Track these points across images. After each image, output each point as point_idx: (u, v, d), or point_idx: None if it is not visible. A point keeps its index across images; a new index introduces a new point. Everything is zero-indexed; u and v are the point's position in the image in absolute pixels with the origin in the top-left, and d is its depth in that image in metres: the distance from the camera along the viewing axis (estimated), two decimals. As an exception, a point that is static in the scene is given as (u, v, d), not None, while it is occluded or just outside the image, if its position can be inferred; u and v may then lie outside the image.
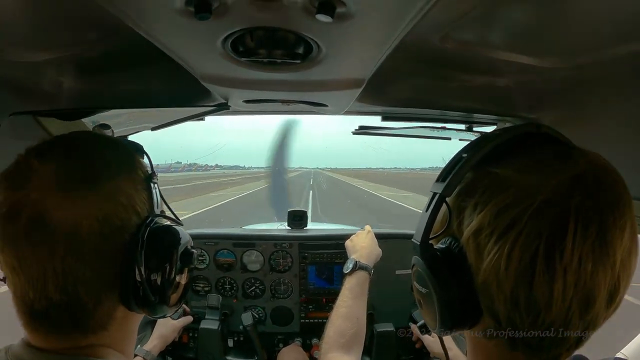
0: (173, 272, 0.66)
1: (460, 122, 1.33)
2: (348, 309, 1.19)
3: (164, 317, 0.69)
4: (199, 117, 1.32)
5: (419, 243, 0.60)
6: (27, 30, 0.72)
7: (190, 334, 1.88)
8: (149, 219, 0.64)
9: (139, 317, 0.70)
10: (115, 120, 1.23)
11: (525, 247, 0.50)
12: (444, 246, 0.59)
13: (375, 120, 1.38)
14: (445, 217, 0.61)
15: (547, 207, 0.50)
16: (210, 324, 1.82)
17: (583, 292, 0.50)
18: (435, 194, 0.60)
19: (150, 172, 0.70)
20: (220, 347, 1.81)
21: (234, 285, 1.97)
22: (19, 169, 0.60)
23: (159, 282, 0.64)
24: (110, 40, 0.78)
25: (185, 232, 0.70)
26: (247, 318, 1.83)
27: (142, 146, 0.74)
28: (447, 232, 0.60)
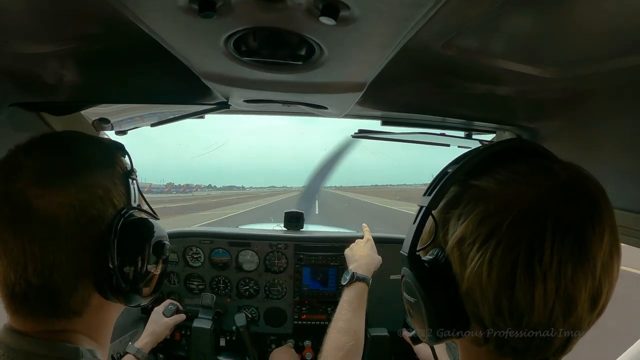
0: (145, 262, 0.69)
1: (459, 129, 1.33)
2: (346, 322, 1.19)
3: (138, 306, 0.72)
4: (199, 114, 1.31)
5: (406, 255, 0.62)
6: (30, 22, 0.72)
7: (183, 332, 1.87)
8: (124, 210, 0.67)
9: (115, 308, 0.73)
10: (115, 115, 1.23)
11: (505, 253, 0.52)
12: (431, 257, 0.62)
13: (375, 125, 1.38)
14: (432, 229, 0.63)
15: (525, 215, 0.53)
16: (203, 323, 1.81)
17: (565, 295, 0.52)
18: (422, 207, 0.63)
19: (129, 168, 0.74)
20: (212, 347, 1.80)
21: (229, 284, 1.97)
22: (8, 162, 0.64)
23: (131, 271, 0.67)
24: (112, 35, 0.78)
25: (159, 225, 0.74)
26: (240, 319, 1.82)
27: (122, 145, 0.78)
28: (434, 243, 0.63)
